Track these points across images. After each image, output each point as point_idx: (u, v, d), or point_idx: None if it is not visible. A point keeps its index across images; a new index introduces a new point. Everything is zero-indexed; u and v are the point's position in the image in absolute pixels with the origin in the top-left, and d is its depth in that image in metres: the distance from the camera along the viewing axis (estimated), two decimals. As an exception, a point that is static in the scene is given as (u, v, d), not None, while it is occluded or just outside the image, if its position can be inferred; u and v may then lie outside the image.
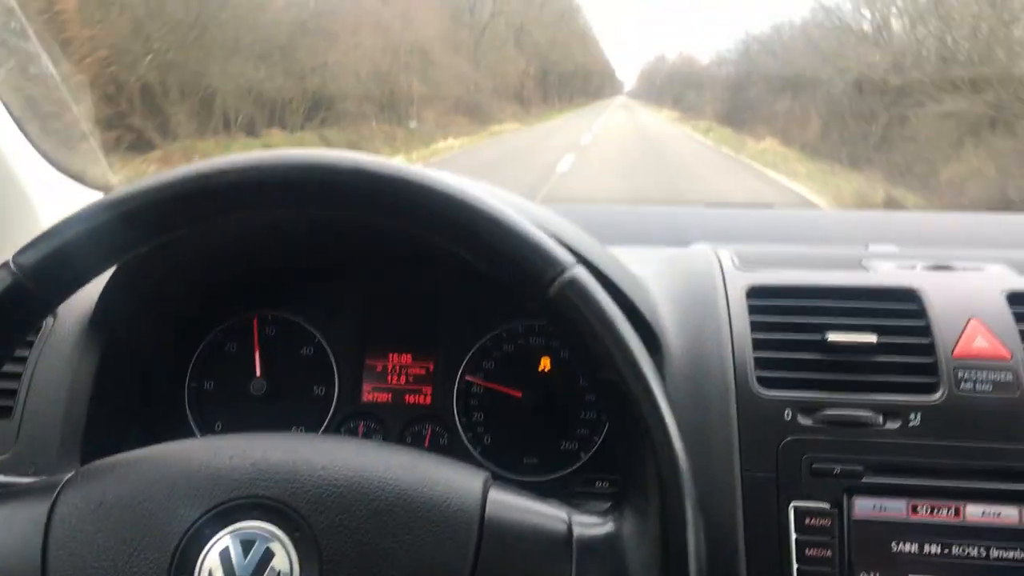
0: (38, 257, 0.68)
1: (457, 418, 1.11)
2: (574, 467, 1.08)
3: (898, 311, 0.94)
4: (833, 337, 0.91)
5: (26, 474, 0.80)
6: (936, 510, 0.85)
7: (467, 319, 1.13)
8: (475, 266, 0.68)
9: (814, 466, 0.86)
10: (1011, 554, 0.83)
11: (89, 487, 0.68)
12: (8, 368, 0.90)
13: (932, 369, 0.89)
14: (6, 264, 0.68)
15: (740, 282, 0.99)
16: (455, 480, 0.68)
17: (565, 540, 0.67)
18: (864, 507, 0.85)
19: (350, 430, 1.13)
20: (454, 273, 1.12)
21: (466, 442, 1.10)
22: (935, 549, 0.84)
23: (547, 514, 0.68)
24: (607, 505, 0.70)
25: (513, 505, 0.68)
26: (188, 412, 1.14)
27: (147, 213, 0.68)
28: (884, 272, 1.03)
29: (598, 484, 1.05)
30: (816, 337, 0.92)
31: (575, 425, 1.09)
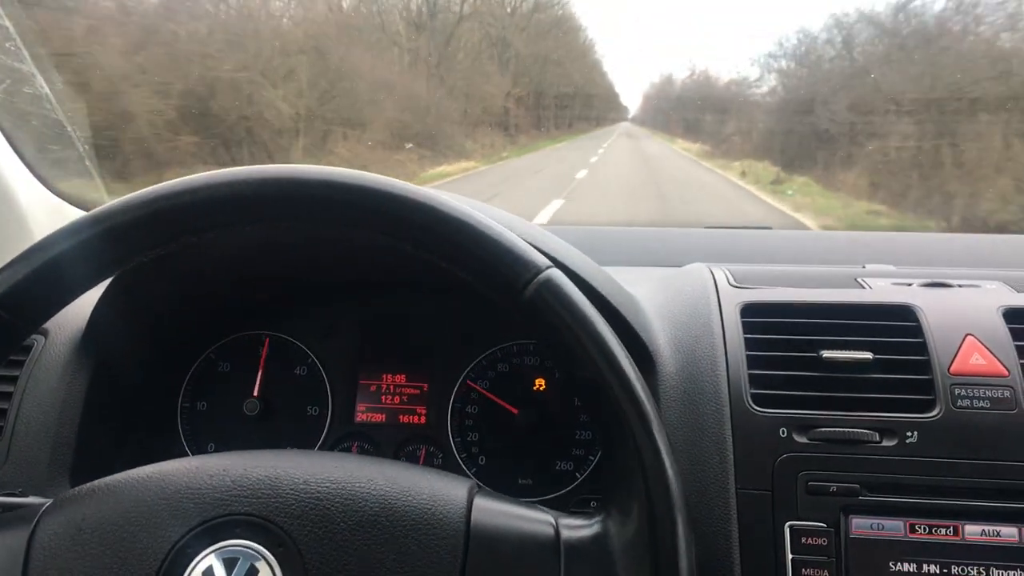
0: (12, 282, 0.67)
1: (451, 438, 1.10)
2: (569, 487, 1.07)
3: (894, 328, 0.93)
4: (828, 354, 0.91)
5: (15, 494, 0.79)
6: (934, 529, 0.84)
7: (461, 339, 1.13)
8: (453, 273, 0.68)
9: (810, 484, 0.85)
10: (1011, 573, 0.82)
11: (68, 513, 0.67)
12: None
13: (929, 386, 0.88)
14: None
15: (735, 300, 0.99)
16: (440, 489, 0.68)
17: (553, 543, 0.66)
18: (861, 526, 0.84)
19: (344, 450, 1.12)
20: (448, 294, 1.12)
21: (460, 462, 1.09)
22: (934, 569, 0.83)
23: (534, 518, 0.68)
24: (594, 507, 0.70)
25: (499, 511, 0.68)
26: (180, 433, 1.14)
27: (127, 230, 0.68)
28: (879, 289, 1.03)
29: (593, 504, 1.04)
30: (811, 355, 0.92)
31: (570, 445, 1.08)
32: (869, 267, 1.19)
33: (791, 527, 0.84)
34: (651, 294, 1.08)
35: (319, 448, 1.12)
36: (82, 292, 0.72)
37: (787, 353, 0.92)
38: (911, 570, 0.83)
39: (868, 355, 0.90)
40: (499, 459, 1.09)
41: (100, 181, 1.50)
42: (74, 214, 1.46)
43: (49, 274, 0.68)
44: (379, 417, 1.13)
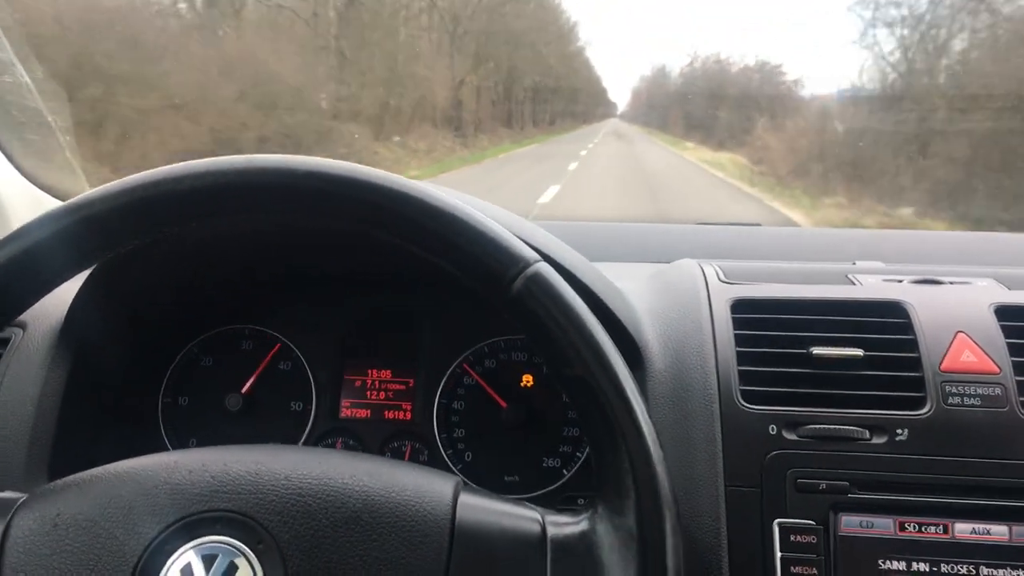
0: None
1: (437, 434, 1.09)
2: (556, 484, 1.06)
3: (884, 325, 0.92)
4: (818, 351, 0.90)
5: None
6: (924, 527, 0.83)
7: (448, 335, 1.12)
8: (439, 268, 0.67)
9: (799, 481, 0.84)
10: (1001, 572, 0.81)
11: (43, 508, 0.65)
12: None
13: (919, 384, 0.87)
14: None
15: (724, 296, 0.98)
16: (424, 485, 0.66)
17: (539, 541, 0.65)
18: (850, 524, 0.83)
19: (328, 446, 1.11)
20: (435, 289, 1.11)
21: (446, 459, 1.08)
22: (923, 567, 0.82)
23: (520, 515, 0.67)
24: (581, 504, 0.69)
25: (485, 508, 0.67)
26: (161, 428, 1.12)
27: (106, 219, 0.67)
28: (870, 286, 1.02)
29: (580, 502, 1.03)
30: (801, 351, 0.91)
31: (557, 442, 1.07)
32: (859, 263, 1.18)
33: (780, 525, 0.83)
34: (640, 289, 1.07)
35: (303, 444, 1.10)
36: (60, 283, 0.71)
37: (777, 350, 0.92)
38: (900, 568, 0.82)
39: (859, 352, 0.89)
40: (485, 455, 1.08)
41: (82, 172, 1.48)
42: (55, 205, 1.43)
43: (25, 264, 0.67)
44: (364, 413, 1.12)
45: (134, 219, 0.67)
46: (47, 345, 0.99)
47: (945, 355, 0.88)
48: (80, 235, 0.67)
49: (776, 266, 1.12)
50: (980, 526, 0.82)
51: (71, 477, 0.68)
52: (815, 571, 0.82)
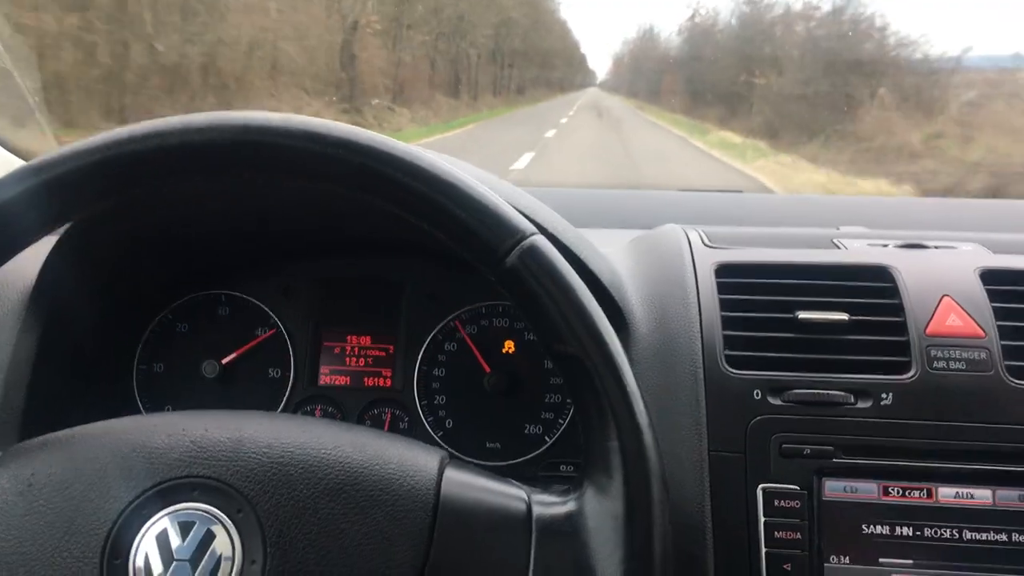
0: None
1: (418, 401, 1.08)
2: (538, 451, 1.05)
3: (870, 289, 0.91)
4: (804, 315, 0.89)
5: None
6: (908, 492, 0.83)
7: (429, 300, 1.10)
8: (430, 235, 0.65)
9: (783, 447, 0.84)
10: (984, 536, 0.81)
11: (17, 467, 0.63)
12: None
13: (904, 348, 0.87)
14: None
15: (709, 260, 0.97)
16: (409, 459, 0.65)
17: (524, 520, 0.64)
18: (835, 488, 0.83)
19: (307, 414, 1.09)
20: (416, 254, 1.09)
21: (427, 426, 1.07)
22: (907, 531, 0.82)
23: (506, 493, 0.65)
24: (568, 485, 0.68)
25: (470, 484, 0.65)
26: (136, 395, 1.10)
27: (72, 180, 0.64)
28: (855, 250, 1.01)
29: (563, 468, 1.03)
30: (786, 316, 0.90)
31: (539, 409, 1.06)
32: (843, 229, 1.17)
33: (764, 490, 0.83)
34: (624, 255, 1.05)
35: (281, 411, 1.09)
36: (25, 245, 0.68)
37: (762, 314, 0.91)
38: (884, 532, 0.82)
39: (844, 316, 0.89)
40: (467, 422, 1.07)
41: (51, 133, 1.44)
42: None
43: None
44: (343, 380, 1.10)
45: (101, 179, 0.65)
46: (18, 309, 0.96)
47: (931, 319, 0.87)
48: (45, 196, 0.65)
49: (761, 231, 1.11)
50: (964, 490, 0.82)
51: (47, 436, 0.66)
52: (799, 536, 0.82)
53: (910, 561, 0.81)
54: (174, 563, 0.59)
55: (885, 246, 1.02)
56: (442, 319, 1.09)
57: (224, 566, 0.59)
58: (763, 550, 0.82)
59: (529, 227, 0.65)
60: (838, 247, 1.03)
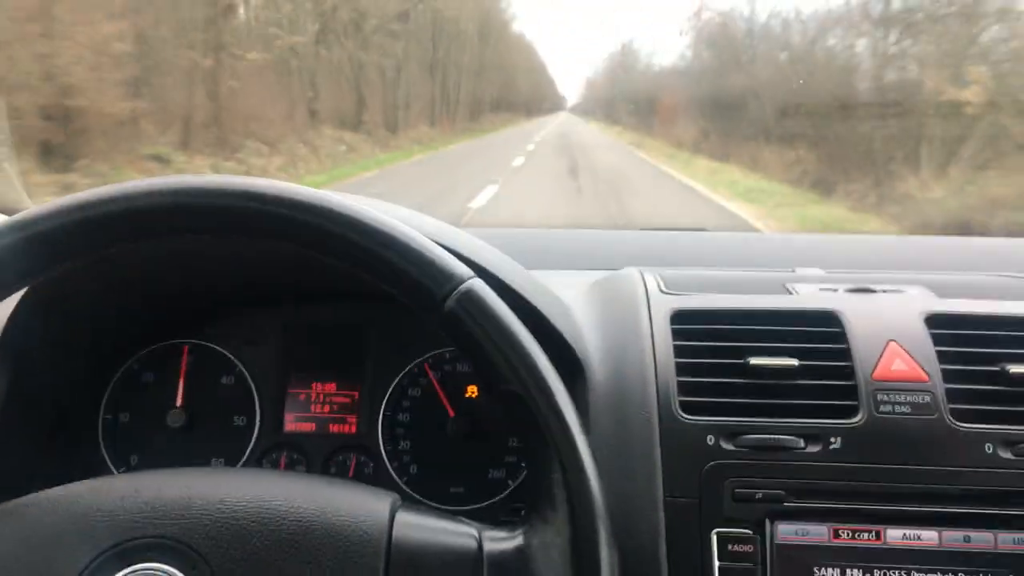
0: None
1: (383, 447, 1.09)
2: (502, 495, 1.06)
3: (819, 335, 0.94)
4: (755, 361, 0.91)
5: None
6: (857, 534, 0.85)
7: (392, 347, 1.12)
8: (373, 282, 0.67)
9: (736, 491, 0.85)
10: None
11: None
12: None
13: (852, 392, 0.89)
14: None
15: (664, 307, 0.99)
16: (360, 505, 0.67)
17: (475, 557, 0.66)
18: (786, 531, 0.85)
19: (272, 461, 1.10)
20: (379, 302, 1.10)
21: (391, 472, 1.08)
22: (857, 573, 0.84)
23: (457, 531, 0.68)
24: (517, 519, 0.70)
25: (421, 525, 0.67)
26: (102, 445, 1.10)
27: (51, 237, 0.66)
28: (806, 296, 1.04)
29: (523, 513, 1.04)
30: (739, 361, 0.92)
31: (502, 453, 1.07)
32: (799, 271, 1.20)
33: (718, 534, 0.85)
34: (581, 300, 1.07)
35: (246, 459, 1.09)
36: (2, 298, 0.70)
37: (715, 360, 0.93)
38: (835, 574, 0.84)
39: (794, 362, 0.91)
40: (431, 468, 1.08)
41: (19, 182, 1.45)
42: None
43: None
44: (309, 427, 1.11)
45: (80, 237, 0.67)
46: None
47: (877, 364, 0.90)
48: (24, 252, 0.66)
49: (716, 275, 1.14)
50: (911, 532, 0.84)
51: (3, 505, 0.67)
52: None
53: None
54: None
55: (835, 291, 1.05)
56: (406, 365, 1.11)
57: None
58: None
59: (466, 272, 0.67)
60: (790, 292, 1.06)
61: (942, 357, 0.91)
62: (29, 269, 0.68)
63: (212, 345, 1.13)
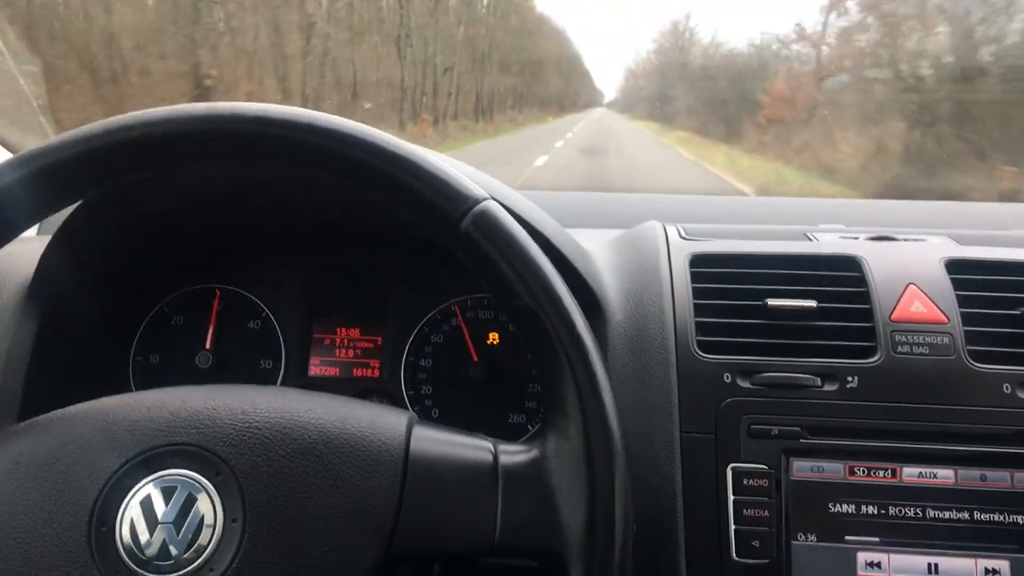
0: None
1: (404, 391, 1.11)
2: (521, 440, 1.07)
3: (838, 278, 0.94)
4: (773, 303, 0.92)
5: None
6: (873, 472, 0.85)
7: (416, 292, 1.13)
8: (390, 206, 0.69)
9: (752, 427, 0.86)
10: (947, 514, 0.84)
11: (7, 448, 0.67)
12: None
13: (870, 333, 0.90)
14: None
15: (684, 251, 1.00)
16: (378, 418, 0.68)
17: (491, 469, 0.67)
18: (802, 468, 0.86)
19: None
20: (403, 247, 1.12)
21: None
22: (872, 510, 0.85)
23: (473, 445, 0.69)
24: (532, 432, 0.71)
25: (438, 439, 0.69)
26: (132, 385, 1.13)
27: (60, 169, 0.68)
28: (826, 242, 1.04)
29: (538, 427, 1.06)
30: (756, 303, 0.93)
31: (522, 398, 1.09)
32: (820, 226, 1.20)
33: (733, 469, 0.86)
34: (604, 249, 1.09)
35: None
36: (18, 232, 0.72)
37: (733, 302, 0.94)
38: (849, 511, 0.85)
39: (812, 303, 0.91)
40: (452, 412, 1.10)
41: (53, 135, 1.48)
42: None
43: None
44: (333, 371, 1.13)
45: (88, 167, 0.68)
46: (17, 301, 0.99)
47: (896, 306, 0.90)
48: (35, 184, 0.68)
49: (738, 227, 1.14)
50: (927, 470, 0.85)
51: (34, 419, 0.69)
52: (767, 513, 0.84)
53: (875, 539, 0.84)
54: (159, 527, 0.62)
55: (856, 238, 1.05)
56: (429, 311, 1.12)
57: (206, 526, 0.63)
58: (732, 527, 0.84)
59: (480, 193, 0.69)
60: (810, 240, 1.06)
61: (962, 301, 0.91)
62: (45, 201, 0.70)
63: (239, 290, 1.15)
